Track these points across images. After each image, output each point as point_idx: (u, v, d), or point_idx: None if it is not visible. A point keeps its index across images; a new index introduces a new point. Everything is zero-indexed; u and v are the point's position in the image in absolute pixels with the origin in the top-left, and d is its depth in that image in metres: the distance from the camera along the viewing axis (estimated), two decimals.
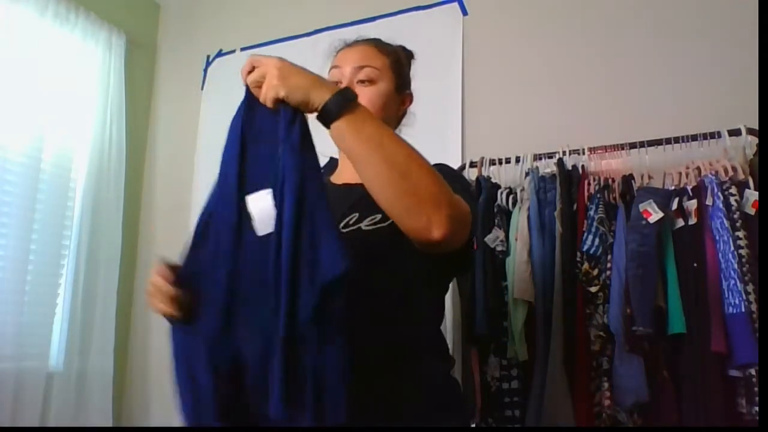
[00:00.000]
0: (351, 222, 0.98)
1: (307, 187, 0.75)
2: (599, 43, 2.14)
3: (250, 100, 0.84)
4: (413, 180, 0.79)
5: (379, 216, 0.96)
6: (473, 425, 1.71)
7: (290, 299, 0.71)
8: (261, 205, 0.73)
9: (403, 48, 1.19)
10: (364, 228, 0.96)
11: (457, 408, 1.00)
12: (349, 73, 1.06)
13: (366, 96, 1.04)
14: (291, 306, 0.71)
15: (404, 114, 1.17)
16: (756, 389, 1.38)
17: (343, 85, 0.99)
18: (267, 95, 0.81)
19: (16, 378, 2.13)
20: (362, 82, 1.05)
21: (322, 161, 1.23)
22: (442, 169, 0.95)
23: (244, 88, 0.86)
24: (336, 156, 1.16)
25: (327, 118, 0.81)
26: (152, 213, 2.88)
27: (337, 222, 0.98)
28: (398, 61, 1.13)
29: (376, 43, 1.12)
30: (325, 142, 1.22)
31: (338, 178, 1.13)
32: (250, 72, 0.85)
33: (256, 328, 0.75)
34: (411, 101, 1.17)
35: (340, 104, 0.81)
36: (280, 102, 0.81)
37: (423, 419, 0.90)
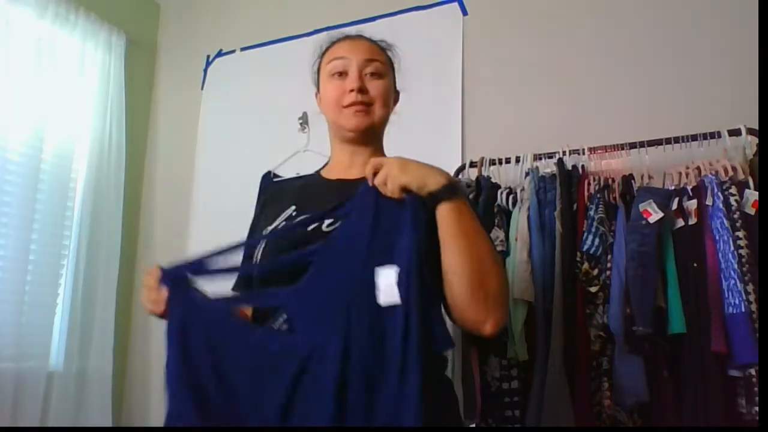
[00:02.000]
0: None
1: (425, 270, 0.85)
2: (599, 43, 2.14)
3: (378, 198, 0.92)
4: (490, 279, 0.89)
5: None
6: (473, 425, 1.71)
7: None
8: (387, 280, 0.84)
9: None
10: None
11: (451, 407, 1.00)
12: (358, 64, 1.07)
13: (378, 89, 1.07)
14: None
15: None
16: (756, 389, 1.38)
17: (352, 79, 1.05)
18: (393, 185, 0.89)
19: (16, 378, 2.13)
20: (372, 75, 1.07)
21: (322, 161, 1.23)
22: None
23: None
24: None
25: (437, 199, 0.90)
26: (152, 213, 2.88)
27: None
28: (392, 61, 1.16)
29: (377, 42, 1.14)
30: (325, 143, 1.22)
31: (330, 173, 1.14)
32: (374, 173, 0.92)
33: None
34: (398, 100, 1.19)
35: (452, 191, 0.91)
36: (404, 191, 0.90)
37: None
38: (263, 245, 1.03)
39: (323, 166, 1.19)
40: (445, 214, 0.89)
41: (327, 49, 1.13)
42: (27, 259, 2.24)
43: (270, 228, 1.05)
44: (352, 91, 1.05)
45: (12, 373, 2.12)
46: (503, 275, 0.93)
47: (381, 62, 1.09)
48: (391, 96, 1.13)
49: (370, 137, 1.11)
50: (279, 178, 1.22)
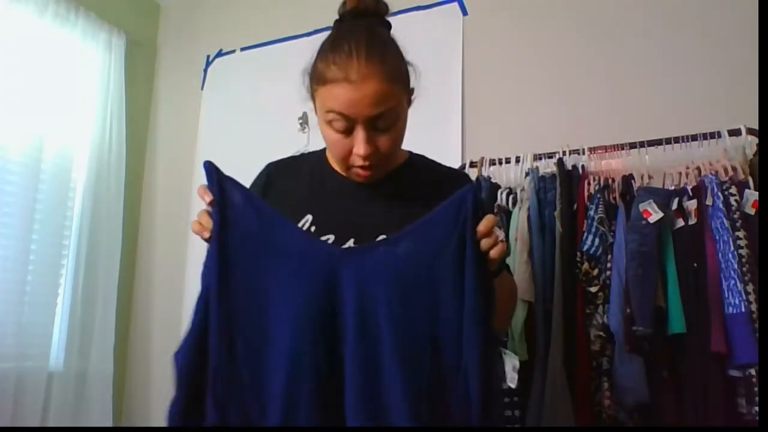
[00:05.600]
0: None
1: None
2: (599, 43, 2.14)
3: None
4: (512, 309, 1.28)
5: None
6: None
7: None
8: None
9: (399, 49, 1.00)
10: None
11: None
12: (364, 123, 0.90)
13: (388, 142, 0.93)
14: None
15: None
16: (756, 389, 1.38)
17: (359, 144, 0.91)
18: (497, 252, 0.86)
19: (16, 378, 2.13)
20: (381, 129, 0.92)
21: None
22: None
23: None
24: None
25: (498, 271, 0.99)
26: (152, 213, 2.88)
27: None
28: (407, 81, 0.98)
29: (384, 70, 0.90)
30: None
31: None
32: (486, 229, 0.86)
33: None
34: (410, 103, 1.05)
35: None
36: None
37: None
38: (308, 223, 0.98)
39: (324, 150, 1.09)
40: (504, 281, 1.02)
41: (323, 81, 0.92)
42: (27, 259, 2.24)
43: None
44: (359, 156, 0.92)
45: (12, 373, 2.12)
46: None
47: (391, 107, 0.91)
48: (404, 127, 0.98)
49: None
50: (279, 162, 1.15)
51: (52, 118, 2.39)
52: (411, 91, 1.00)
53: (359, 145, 0.90)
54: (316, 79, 0.94)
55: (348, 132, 0.91)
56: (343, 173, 1.02)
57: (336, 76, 0.89)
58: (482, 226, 0.85)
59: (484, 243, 0.86)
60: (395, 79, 0.92)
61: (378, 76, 0.88)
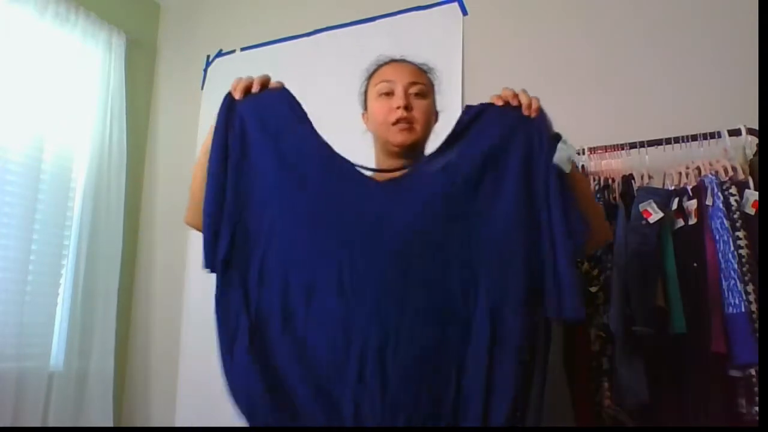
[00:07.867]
0: None
1: None
2: (599, 43, 2.14)
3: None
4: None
5: None
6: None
7: None
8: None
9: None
10: None
11: None
12: (404, 86, 1.15)
13: (422, 108, 1.16)
14: None
15: None
16: (756, 389, 1.38)
17: (398, 97, 1.13)
18: (537, 103, 1.14)
19: (17, 378, 2.13)
20: (416, 95, 1.16)
21: None
22: None
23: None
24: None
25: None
26: (152, 212, 2.88)
27: None
28: (432, 83, 1.24)
29: (419, 65, 1.22)
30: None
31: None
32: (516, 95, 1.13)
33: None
34: (437, 120, 1.24)
35: None
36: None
37: None
38: None
39: None
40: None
41: (373, 72, 1.21)
42: (28, 259, 2.24)
43: None
44: (398, 108, 1.13)
45: (13, 373, 2.12)
46: None
47: (423, 84, 1.18)
48: (433, 115, 1.21)
49: (413, 151, 1.17)
50: None
51: (52, 118, 2.39)
52: (435, 109, 1.24)
53: (398, 98, 1.14)
54: (370, 73, 1.23)
55: (391, 94, 1.15)
56: (385, 140, 1.17)
57: (384, 61, 1.23)
58: (502, 94, 1.12)
59: (524, 100, 1.10)
60: (426, 72, 1.22)
61: (412, 64, 1.22)
